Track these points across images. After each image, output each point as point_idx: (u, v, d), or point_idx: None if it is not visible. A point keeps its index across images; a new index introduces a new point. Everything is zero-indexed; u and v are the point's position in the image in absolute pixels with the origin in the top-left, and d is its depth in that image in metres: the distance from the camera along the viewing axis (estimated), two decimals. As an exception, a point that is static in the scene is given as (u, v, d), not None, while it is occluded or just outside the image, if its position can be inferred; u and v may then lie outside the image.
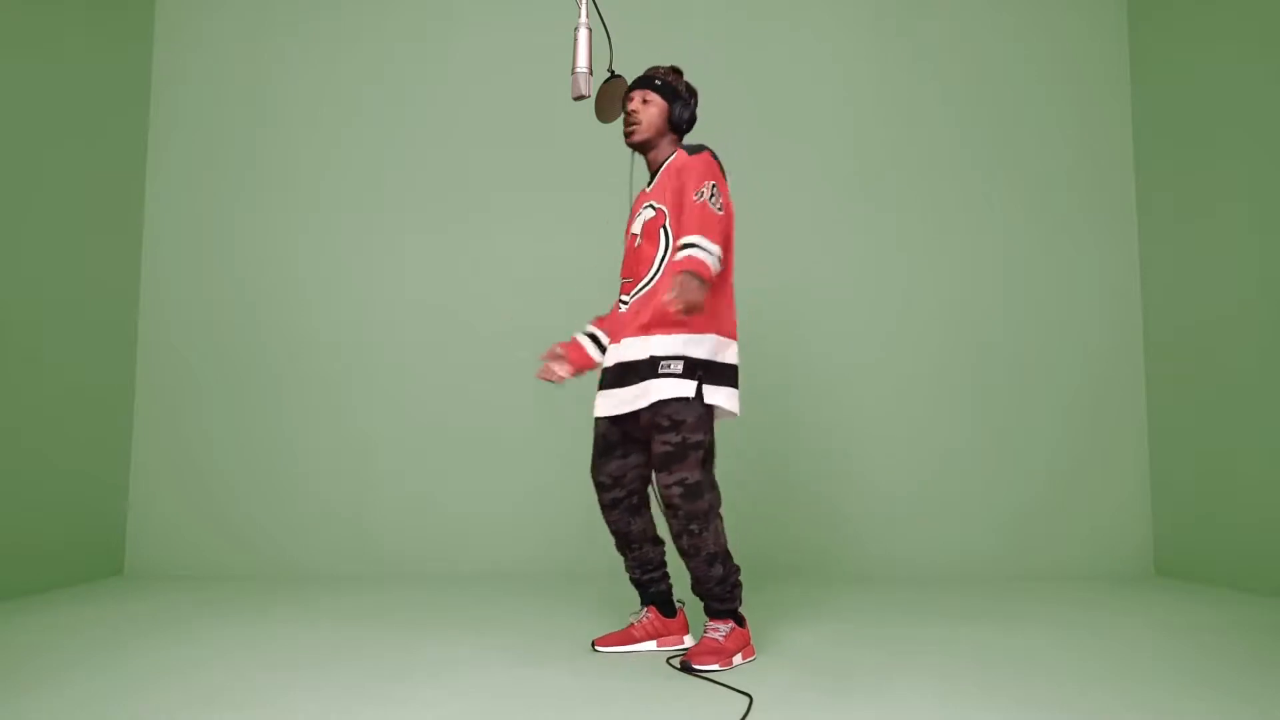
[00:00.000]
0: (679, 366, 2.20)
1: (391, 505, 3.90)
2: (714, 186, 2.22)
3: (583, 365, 2.47)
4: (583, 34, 2.36)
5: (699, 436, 2.19)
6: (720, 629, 2.26)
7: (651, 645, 2.37)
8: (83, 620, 2.74)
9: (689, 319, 2.21)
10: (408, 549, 3.86)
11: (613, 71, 2.46)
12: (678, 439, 2.18)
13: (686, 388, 2.19)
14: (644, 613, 2.41)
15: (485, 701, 1.86)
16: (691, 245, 2.14)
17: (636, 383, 2.24)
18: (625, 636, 2.36)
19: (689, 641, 2.41)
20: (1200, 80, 3.74)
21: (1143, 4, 4.10)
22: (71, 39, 3.52)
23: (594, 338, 2.49)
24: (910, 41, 4.16)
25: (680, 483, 2.17)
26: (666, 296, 2.02)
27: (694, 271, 2.06)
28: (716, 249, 2.14)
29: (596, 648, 2.34)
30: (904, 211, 4.09)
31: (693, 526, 2.18)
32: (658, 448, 2.20)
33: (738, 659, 2.23)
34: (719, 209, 2.20)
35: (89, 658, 2.24)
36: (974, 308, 4.06)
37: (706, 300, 2.24)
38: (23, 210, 3.27)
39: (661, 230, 2.28)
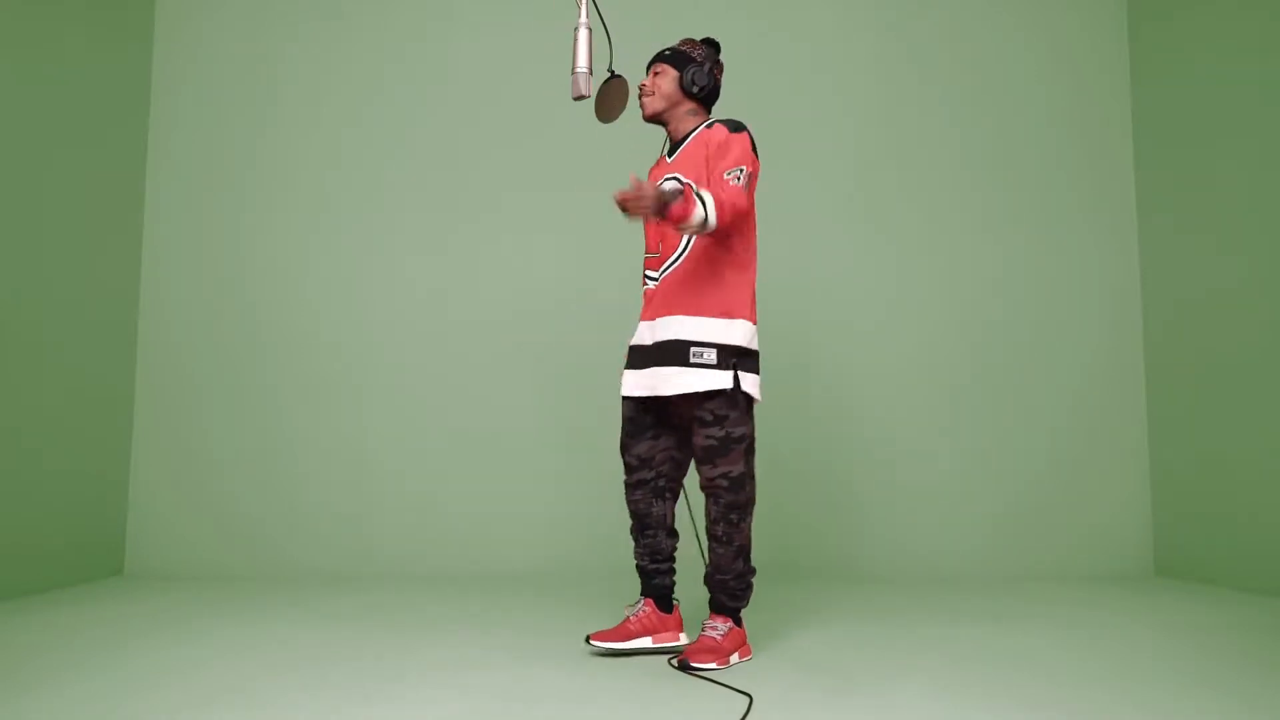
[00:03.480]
0: (712, 355, 2.20)
1: (391, 505, 3.90)
2: (750, 175, 2.20)
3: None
4: (583, 34, 2.36)
5: (742, 430, 2.21)
6: (719, 627, 2.26)
7: (647, 641, 2.33)
8: (83, 620, 2.74)
9: (721, 302, 2.19)
10: (408, 549, 3.85)
11: (613, 71, 2.46)
12: (721, 433, 2.20)
13: (721, 379, 2.19)
14: (640, 605, 2.37)
15: (485, 701, 1.86)
16: (701, 198, 2.08)
17: (669, 365, 2.23)
18: (621, 632, 2.32)
19: (684, 640, 2.39)
20: (1200, 80, 3.74)
21: (1143, 4, 4.10)
22: (71, 39, 3.52)
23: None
24: (910, 41, 4.16)
25: (724, 475, 2.21)
26: (623, 192, 1.97)
27: (674, 197, 2.00)
28: (714, 218, 2.09)
29: (592, 642, 2.30)
30: (903, 211, 4.09)
31: (732, 515, 2.22)
32: (701, 440, 2.22)
33: (734, 658, 2.23)
34: (746, 190, 2.17)
35: (89, 658, 2.24)
36: (973, 307, 4.06)
37: (740, 288, 2.24)
38: (22, 210, 3.27)
39: None
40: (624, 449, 2.39)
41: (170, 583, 3.55)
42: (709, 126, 2.31)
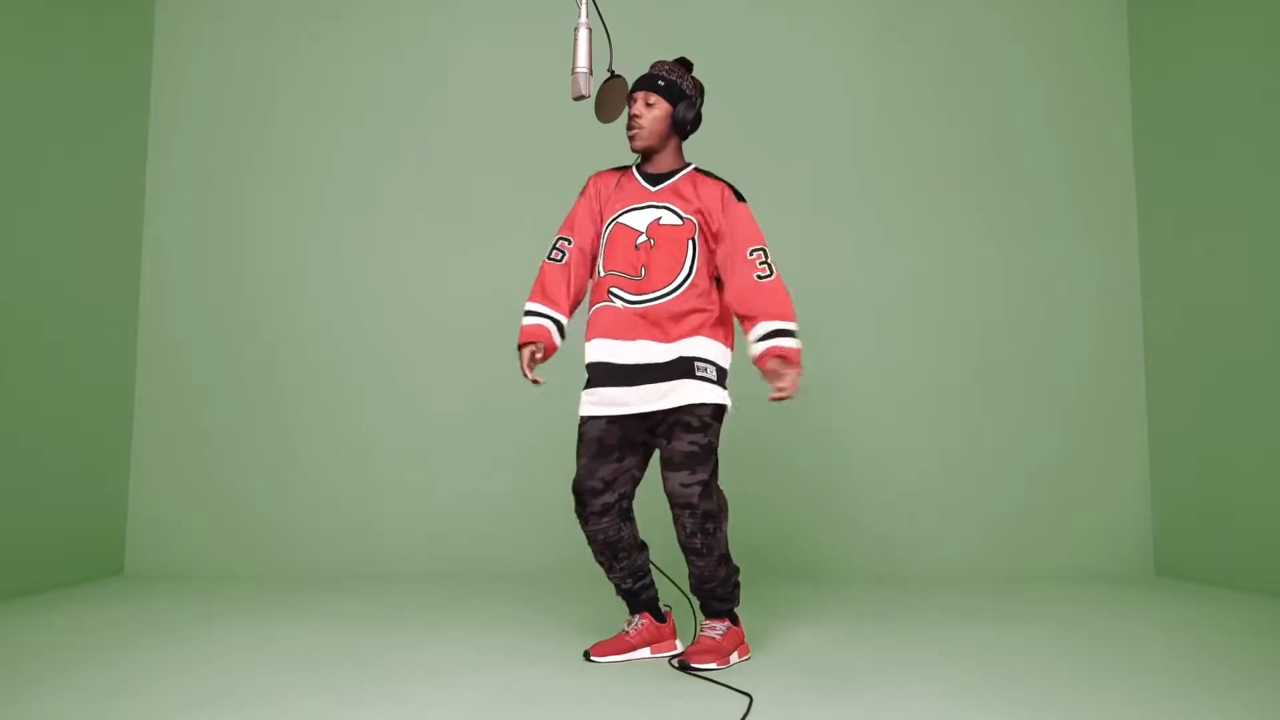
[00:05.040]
0: (713, 372, 2.21)
1: (392, 505, 3.90)
2: (766, 252, 2.26)
3: (551, 352, 2.33)
4: (583, 34, 2.35)
5: (718, 441, 2.22)
6: (717, 627, 2.26)
7: (646, 652, 2.31)
8: (83, 620, 2.74)
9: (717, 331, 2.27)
10: (409, 549, 3.85)
11: (612, 71, 2.45)
12: (705, 440, 2.17)
13: (721, 395, 2.22)
14: (637, 620, 2.36)
15: (485, 701, 1.86)
16: (787, 333, 2.21)
17: (662, 381, 2.20)
18: (620, 644, 2.30)
19: (680, 648, 2.37)
20: (1201, 80, 3.74)
21: (1143, 4, 4.10)
22: (71, 39, 3.52)
23: (557, 323, 2.33)
24: (910, 41, 4.16)
25: (701, 483, 2.15)
26: (780, 394, 2.16)
27: (792, 361, 2.18)
28: (794, 326, 2.24)
29: (592, 657, 2.26)
30: (903, 211, 4.09)
31: (708, 525, 2.17)
32: (683, 446, 2.16)
33: (734, 658, 2.23)
34: (765, 275, 2.25)
35: (89, 658, 2.24)
36: (974, 307, 4.06)
37: (729, 318, 2.32)
38: (23, 210, 3.27)
39: (690, 242, 2.24)
40: (586, 474, 2.21)
41: (170, 583, 3.55)
42: (702, 174, 2.33)
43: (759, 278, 2.22)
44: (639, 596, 2.36)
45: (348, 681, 2.02)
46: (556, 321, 2.32)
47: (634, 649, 2.30)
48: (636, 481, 2.32)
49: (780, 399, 2.17)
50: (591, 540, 2.25)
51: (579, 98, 2.34)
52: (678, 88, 2.32)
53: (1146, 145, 4.06)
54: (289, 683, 2.01)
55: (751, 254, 2.24)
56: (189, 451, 3.91)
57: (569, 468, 3.91)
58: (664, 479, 2.19)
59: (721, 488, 2.27)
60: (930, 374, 4.02)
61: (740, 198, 2.30)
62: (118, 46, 3.81)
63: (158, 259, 4.00)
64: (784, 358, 2.17)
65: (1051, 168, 4.12)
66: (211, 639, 2.47)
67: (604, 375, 2.24)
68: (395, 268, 4.02)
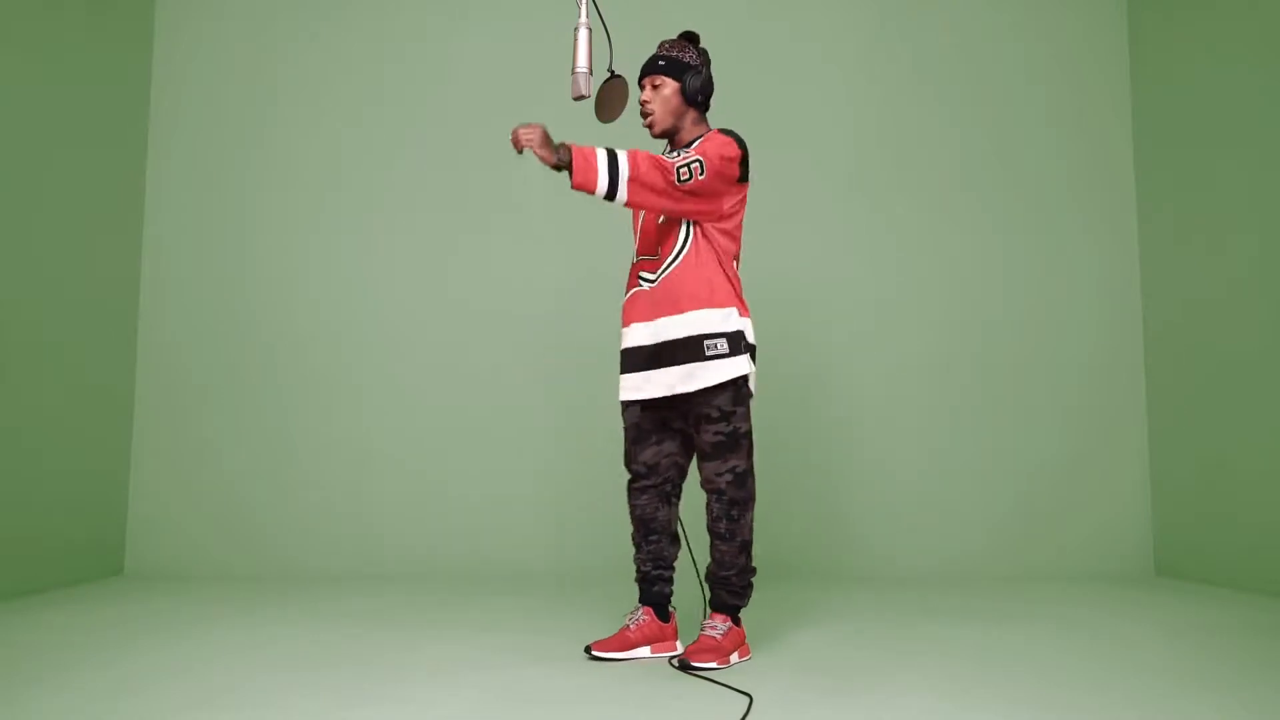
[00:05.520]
0: (725, 345, 2.21)
1: (393, 505, 3.90)
2: (701, 165, 2.17)
3: (554, 163, 2.12)
4: (583, 34, 2.35)
5: (746, 425, 2.25)
6: (719, 626, 2.26)
7: (645, 651, 2.32)
8: (83, 620, 2.74)
9: (718, 297, 2.23)
10: (409, 548, 3.85)
11: (613, 71, 2.45)
12: (729, 429, 2.22)
13: (739, 365, 2.22)
14: (639, 614, 2.36)
15: (485, 701, 1.86)
16: (613, 159, 2.10)
17: (683, 363, 2.22)
18: (621, 641, 2.30)
19: (680, 650, 2.37)
20: (1201, 81, 3.74)
21: (1143, 4, 4.10)
22: (71, 39, 3.52)
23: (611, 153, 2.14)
24: (910, 41, 4.16)
25: (732, 470, 2.23)
26: (526, 129, 2.06)
27: (574, 153, 2.08)
28: (623, 194, 2.11)
29: (593, 652, 2.28)
30: (903, 212, 4.09)
31: (733, 511, 2.24)
32: (709, 438, 2.23)
33: (734, 658, 2.23)
34: (682, 177, 2.15)
35: (89, 658, 2.24)
36: (974, 308, 4.06)
37: (735, 282, 2.28)
38: (23, 211, 3.27)
39: None
40: (629, 458, 2.38)
41: (170, 583, 3.55)
42: (704, 137, 2.32)
43: (676, 166, 2.15)
44: (652, 586, 2.39)
45: (348, 681, 2.02)
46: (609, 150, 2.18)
47: (635, 646, 2.31)
48: (681, 469, 2.40)
49: (515, 136, 2.08)
50: (631, 514, 2.41)
51: (579, 98, 2.34)
52: (679, 62, 2.33)
53: (1146, 145, 4.06)
54: (289, 683, 2.01)
55: (690, 160, 2.17)
56: (189, 451, 3.91)
57: (568, 467, 3.92)
58: (699, 468, 2.30)
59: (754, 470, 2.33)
60: (930, 373, 4.02)
61: (727, 131, 2.27)
62: (118, 46, 3.81)
63: (158, 259, 4.00)
64: (563, 145, 2.10)
65: (1051, 168, 4.12)
66: (211, 639, 2.47)
67: (630, 360, 2.33)
68: (395, 268, 4.02)
